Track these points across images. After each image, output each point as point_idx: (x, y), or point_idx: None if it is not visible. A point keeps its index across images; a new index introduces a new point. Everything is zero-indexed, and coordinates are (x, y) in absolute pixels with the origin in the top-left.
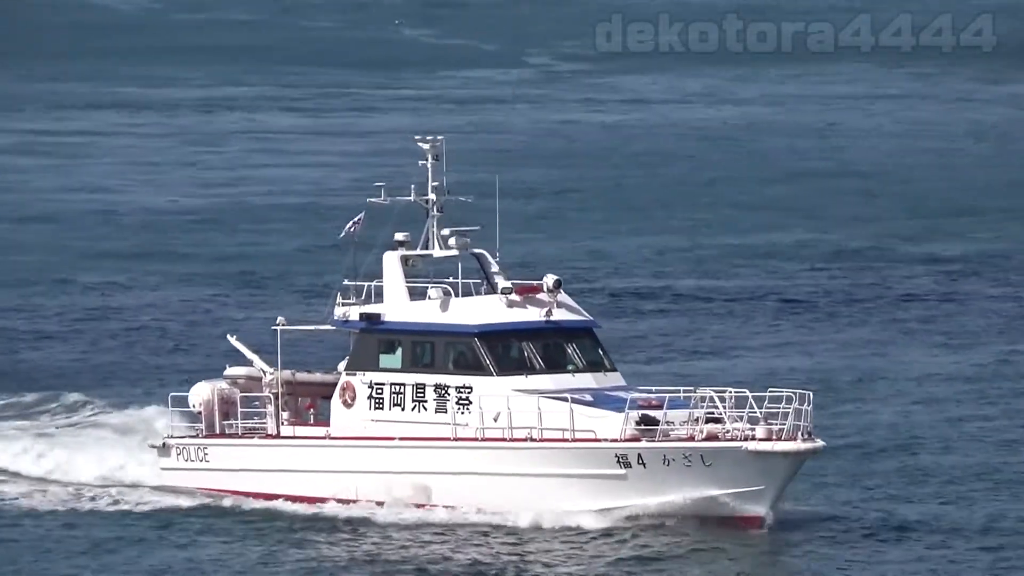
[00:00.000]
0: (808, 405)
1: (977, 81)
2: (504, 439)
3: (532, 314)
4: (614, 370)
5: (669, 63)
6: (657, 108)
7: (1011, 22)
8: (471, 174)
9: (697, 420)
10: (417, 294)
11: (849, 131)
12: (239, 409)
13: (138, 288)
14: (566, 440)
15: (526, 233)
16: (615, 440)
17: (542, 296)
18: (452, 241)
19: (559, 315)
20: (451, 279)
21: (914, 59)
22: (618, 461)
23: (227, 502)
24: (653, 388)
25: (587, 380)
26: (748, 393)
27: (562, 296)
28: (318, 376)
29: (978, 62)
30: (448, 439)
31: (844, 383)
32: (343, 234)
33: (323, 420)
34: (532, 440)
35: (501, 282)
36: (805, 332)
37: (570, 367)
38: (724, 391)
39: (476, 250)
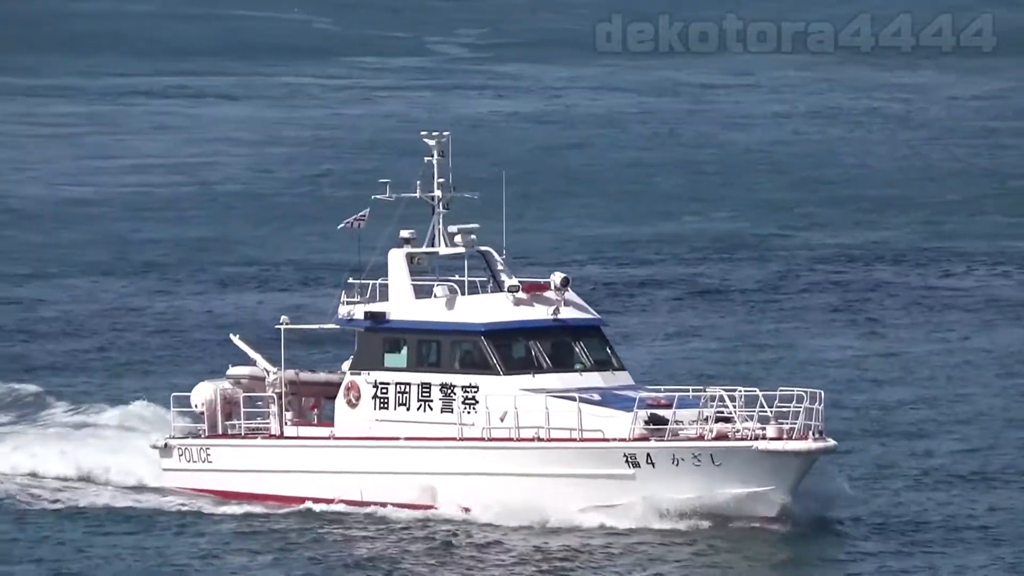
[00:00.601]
0: (820, 404)
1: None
2: (511, 439)
3: (539, 312)
4: (622, 369)
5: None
6: (570, 95)
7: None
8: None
9: (707, 419)
10: (423, 292)
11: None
12: (242, 409)
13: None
14: (574, 440)
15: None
16: (623, 440)
17: (549, 294)
18: (458, 238)
19: (566, 313)
20: (457, 277)
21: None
22: (627, 461)
23: (229, 504)
24: (662, 387)
25: (595, 379)
26: (759, 392)
27: (569, 294)
28: (322, 376)
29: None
30: (454, 439)
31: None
32: (343, 225)
33: (327, 420)
34: (539, 440)
35: (508, 280)
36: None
37: (578, 366)
38: (734, 390)
39: (482, 247)
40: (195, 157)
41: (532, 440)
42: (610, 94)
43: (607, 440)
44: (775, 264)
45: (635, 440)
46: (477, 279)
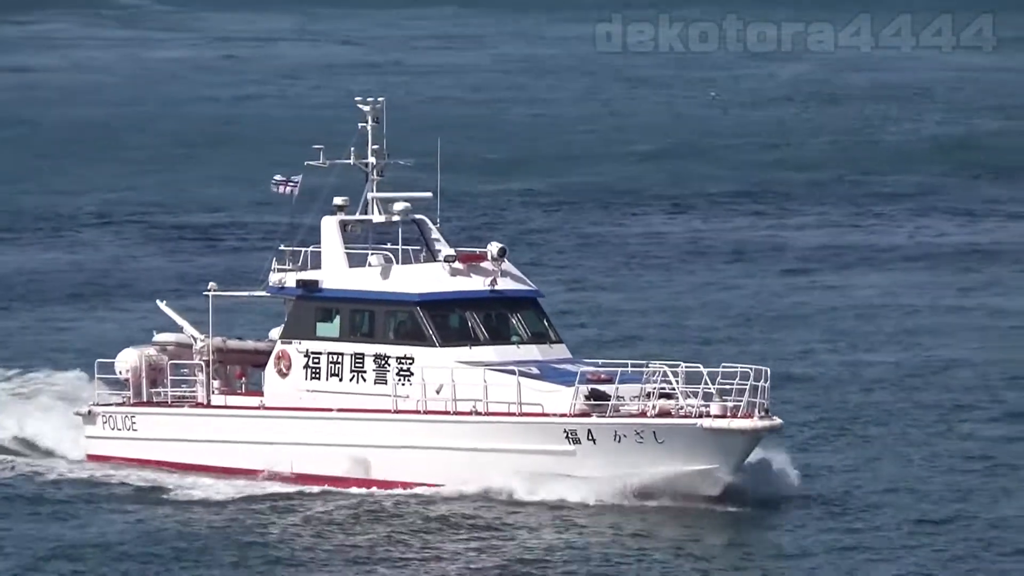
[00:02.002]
0: (765, 382)
1: None
2: (447, 412)
3: (476, 283)
4: (560, 342)
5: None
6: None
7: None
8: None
9: (649, 395)
10: (356, 261)
11: None
12: (168, 377)
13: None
14: (513, 414)
15: None
16: (564, 415)
17: (486, 264)
18: (394, 207)
19: (503, 284)
20: (389, 245)
21: None
22: (567, 437)
23: (153, 473)
24: (600, 361)
25: (532, 352)
26: (703, 368)
27: (506, 265)
28: (250, 344)
29: None
30: (389, 411)
31: None
32: (273, 189)
33: (253, 389)
34: (477, 413)
35: (444, 249)
36: None
37: (515, 338)
38: (677, 365)
39: (417, 216)
40: None
41: (470, 414)
42: None
43: (547, 415)
44: None
45: (576, 416)
46: (410, 247)
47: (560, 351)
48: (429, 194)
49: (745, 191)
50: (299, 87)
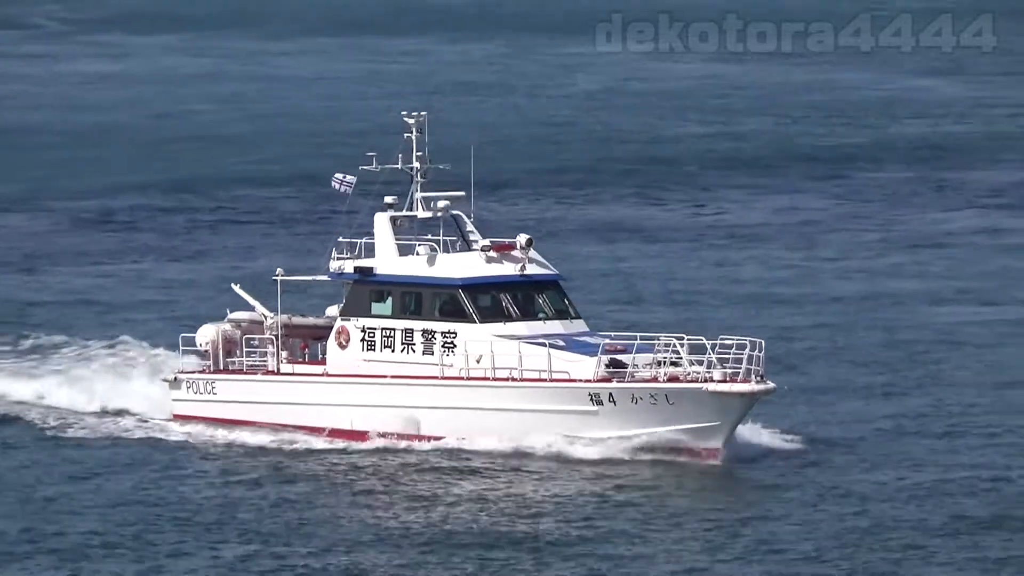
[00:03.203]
0: (761, 351)
1: None
2: (489, 378)
3: (508, 268)
4: (579, 317)
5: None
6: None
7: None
8: None
9: (660, 364)
10: (404, 250)
11: None
12: (243, 348)
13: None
14: (544, 380)
15: None
16: (588, 381)
17: (516, 253)
18: (436, 204)
19: (531, 269)
20: (429, 236)
21: None
22: (591, 399)
23: (231, 431)
24: (612, 333)
25: (556, 327)
26: (705, 340)
27: (532, 252)
28: (311, 320)
29: None
30: (436, 377)
31: None
32: (333, 184)
33: (314, 359)
34: (513, 380)
35: (476, 240)
36: None
37: (541, 315)
38: (682, 338)
39: (454, 212)
40: None
41: (508, 380)
42: None
43: (574, 381)
44: None
45: (599, 381)
46: (448, 239)
47: (579, 325)
48: (462, 193)
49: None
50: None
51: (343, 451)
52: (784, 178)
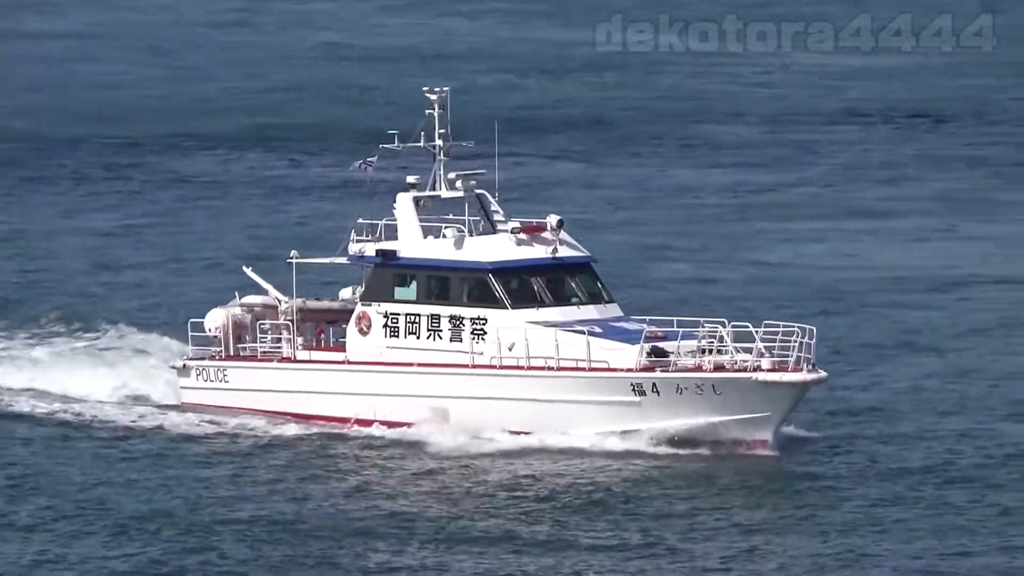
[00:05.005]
0: (812, 339)
1: None
2: (523, 367)
3: (539, 251)
4: (612, 301)
5: None
6: None
7: None
8: None
9: (704, 352)
10: (426, 232)
11: None
12: (254, 333)
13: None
14: (584, 369)
15: None
16: (631, 370)
17: (546, 235)
18: (458, 184)
19: (562, 252)
20: (451, 216)
21: None
22: (633, 389)
23: (244, 419)
24: (647, 318)
25: (590, 311)
26: (752, 328)
27: (563, 234)
28: (326, 304)
29: None
30: (467, 366)
31: None
32: (353, 168)
33: (331, 345)
34: (551, 369)
35: (500, 220)
36: None
37: (574, 299)
38: (722, 323)
39: (478, 191)
40: None
41: (544, 369)
42: None
43: (615, 370)
44: None
45: (642, 371)
46: (468, 219)
47: (613, 310)
48: (484, 171)
49: None
50: None
51: (365, 441)
52: None
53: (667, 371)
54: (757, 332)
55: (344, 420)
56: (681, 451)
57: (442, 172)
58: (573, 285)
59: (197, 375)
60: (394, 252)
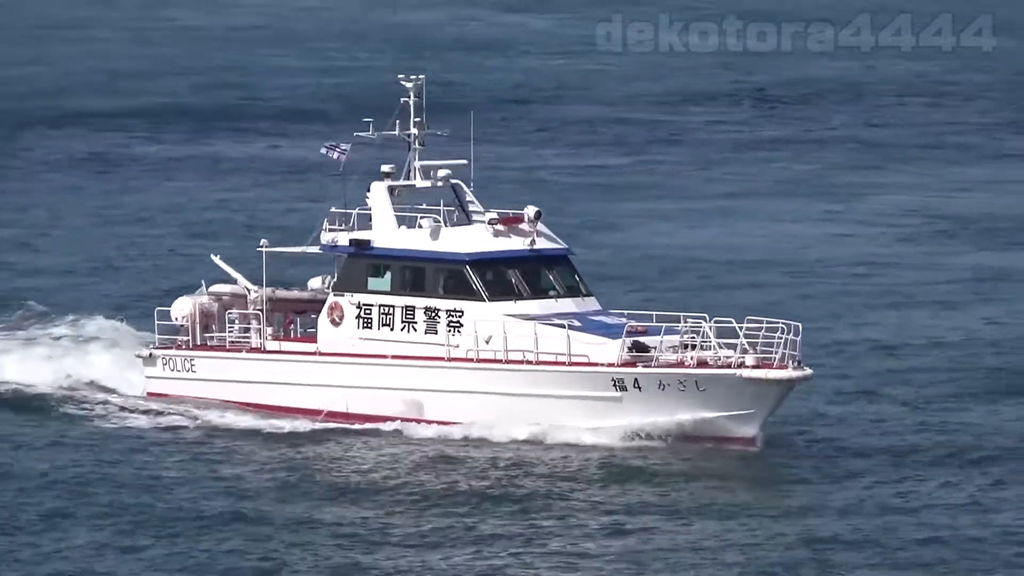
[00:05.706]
0: (798, 335)
1: None
2: (501, 361)
3: (516, 243)
4: (590, 295)
5: None
6: None
7: None
8: None
9: (687, 347)
10: (401, 222)
11: None
12: (222, 323)
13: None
14: (563, 364)
15: None
16: (611, 365)
17: (524, 226)
18: (436, 173)
19: (540, 243)
20: (423, 206)
21: None
22: (614, 385)
23: (210, 410)
24: (625, 312)
25: (568, 305)
26: (735, 324)
27: (540, 226)
28: (295, 293)
29: None
30: (443, 359)
31: None
32: (323, 151)
33: (299, 336)
34: (528, 363)
35: (476, 211)
36: None
37: (552, 292)
38: (703, 318)
39: (454, 181)
40: None
41: (523, 363)
42: None
43: (597, 365)
44: None
45: (623, 366)
46: (445, 209)
47: (591, 303)
48: (464, 161)
49: None
50: None
51: (337, 435)
52: None
53: (649, 366)
54: (740, 328)
55: (315, 412)
56: (661, 447)
57: (416, 162)
58: (551, 278)
59: (164, 365)
60: (368, 242)
